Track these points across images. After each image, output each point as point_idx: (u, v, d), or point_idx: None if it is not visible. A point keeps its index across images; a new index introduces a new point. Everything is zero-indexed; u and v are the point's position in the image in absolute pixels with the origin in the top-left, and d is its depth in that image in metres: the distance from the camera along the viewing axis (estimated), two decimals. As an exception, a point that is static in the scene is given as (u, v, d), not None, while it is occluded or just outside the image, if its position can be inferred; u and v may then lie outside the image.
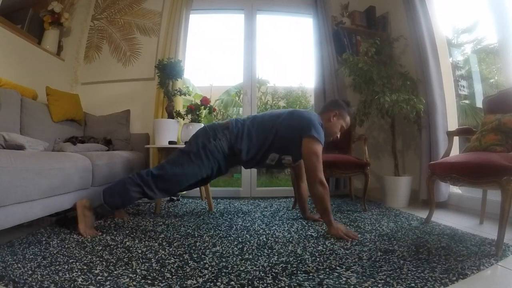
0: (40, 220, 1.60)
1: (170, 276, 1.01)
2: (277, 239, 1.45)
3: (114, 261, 1.14)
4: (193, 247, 1.33)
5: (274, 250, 1.29)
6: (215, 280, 0.98)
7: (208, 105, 2.51)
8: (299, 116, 1.67)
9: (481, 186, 1.52)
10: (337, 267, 1.10)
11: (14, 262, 1.10)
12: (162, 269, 1.07)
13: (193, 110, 2.48)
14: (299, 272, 1.05)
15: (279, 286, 0.94)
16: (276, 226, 1.73)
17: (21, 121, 1.99)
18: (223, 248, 1.32)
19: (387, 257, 1.20)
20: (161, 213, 2.05)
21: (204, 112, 2.61)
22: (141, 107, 2.93)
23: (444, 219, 1.92)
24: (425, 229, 1.65)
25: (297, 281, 0.97)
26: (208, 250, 1.29)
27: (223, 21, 5.17)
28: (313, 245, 1.37)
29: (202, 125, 2.50)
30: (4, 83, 1.96)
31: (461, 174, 1.47)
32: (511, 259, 1.20)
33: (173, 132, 2.45)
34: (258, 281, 0.97)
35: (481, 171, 1.38)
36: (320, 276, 1.01)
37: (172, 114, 2.51)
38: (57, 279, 0.96)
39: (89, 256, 1.18)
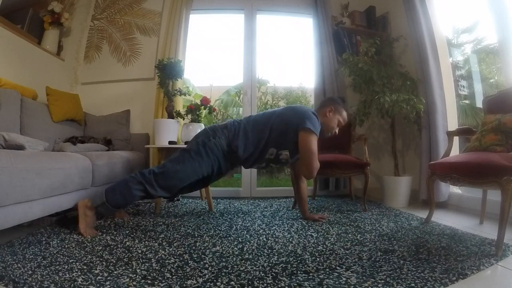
0: (40, 220, 1.61)
1: (170, 276, 1.01)
2: (277, 239, 1.45)
3: (114, 261, 1.14)
4: (193, 247, 1.33)
5: (274, 250, 1.29)
6: (215, 280, 0.98)
7: (208, 105, 2.51)
8: (293, 110, 1.75)
9: (481, 186, 1.52)
10: (337, 267, 1.10)
11: (14, 262, 1.10)
12: (162, 269, 1.07)
13: (193, 110, 2.48)
14: (299, 272, 1.05)
15: (279, 286, 0.94)
16: (276, 226, 1.73)
17: (21, 121, 1.99)
18: (223, 248, 1.32)
19: (387, 257, 1.20)
20: (161, 213, 2.05)
21: (204, 112, 2.61)
22: (141, 107, 2.93)
23: (444, 219, 1.92)
24: (425, 229, 1.65)
25: (297, 281, 0.97)
26: (208, 250, 1.29)
27: (223, 21, 5.18)
28: (313, 245, 1.37)
29: (202, 125, 2.51)
30: (4, 83, 1.96)
31: (461, 174, 1.47)
32: (511, 259, 1.20)
33: (173, 132, 2.46)
34: (258, 281, 0.97)
35: (481, 171, 1.38)
36: (320, 276, 1.01)
37: (172, 114, 2.51)
38: (57, 279, 0.96)
39: (89, 256, 1.18)
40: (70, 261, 1.13)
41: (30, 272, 1.01)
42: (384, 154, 3.03)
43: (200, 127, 2.46)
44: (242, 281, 0.97)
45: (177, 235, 1.52)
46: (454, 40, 4.48)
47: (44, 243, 1.33)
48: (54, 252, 1.22)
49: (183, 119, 2.61)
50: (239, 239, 1.46)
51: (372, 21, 3.14)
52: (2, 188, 1.13)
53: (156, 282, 0.96)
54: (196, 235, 1.52)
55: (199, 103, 2.50)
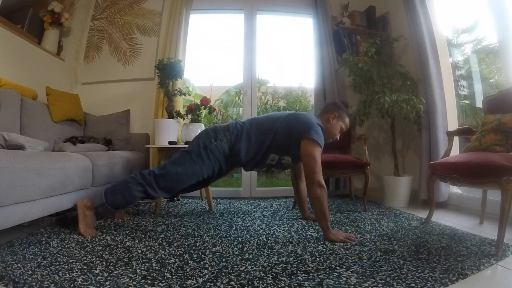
0: (40, 220, 1.60)
1: (170, 276, 1.01)
2: (277, 239, 1.45)
3: (114, 261, 1.14)
4: (193, 247, 1.33)
5: (274, 250, 1.29)
6: (215, 280, 0.98)
7: (208, 105, 2.51)
8: (298, 118, 1.68)
9: (481, 186, 1.52)
10: (337, 267, 1.10)
11: (14, 262, 1.10)
12: (162, 269, 1.07)
13: (193, 110, 2.48)
14: (299, 272, 1.05)
15: (279, 286, 0.94)
16: (276, 226, 1.73)
17: (21, 121, 1.99)
18: (223, 248, 1.32)
19: (387, 257, 1.20)
20: (161, 213, 2.05)
21: (204, 112, 2.61)
22: (141, 107, 2.93)
23: (444, 219, 1.92)
24: (425, 229, 1.65)
25: (297, 281, 0.97)
26: (208, 250, 1.29)
27: (223, 21, 5.17)
28: (313, 245, 1.37)
29: (202, 125, 2.51)
30: (4, 83, 1.96)
31: (461, 174, 1.47)
32: (511, 259, 1.20)
33: (173, 132, 2.46)
34: (258, 281, 0.97)
35: (481, 171, 1.37)
36: (320, 276, 1.01)
37: (172, 114, 2.51)
38: (57, 279, 0.96)
39: (89, 256, 1.18)
40: (70, 261, 1.13)
41: (30, 272, 1.01)
42: (384, 154, 3.03)
43: (200, 127, 2.46)
44: (242, 281, 0.97)
45: (177, 235, 1.52)
46: (454, 40, 4.48)
47: (44, 243, 1.33)
48: (54, 252, 1.22)
49: (183, 119, 2.61)
50: (239, 239, 1.46)
51: (372, 21, 3.14)
52: (2, 188, 1.13)
53: (156, 282, 0.96)
54: (196, 235, 1.52)
55: (199, 103, 2.50)
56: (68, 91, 2.73)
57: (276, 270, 1.07)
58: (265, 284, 0.95)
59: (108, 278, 0.99)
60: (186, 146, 2.19)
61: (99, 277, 0.99)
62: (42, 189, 1.36)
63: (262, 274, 1.03)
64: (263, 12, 3.23)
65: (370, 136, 3.01)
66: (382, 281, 0.97)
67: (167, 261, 1.15)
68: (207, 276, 1.01)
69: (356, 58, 2.56)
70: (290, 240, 1.45)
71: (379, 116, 2.60)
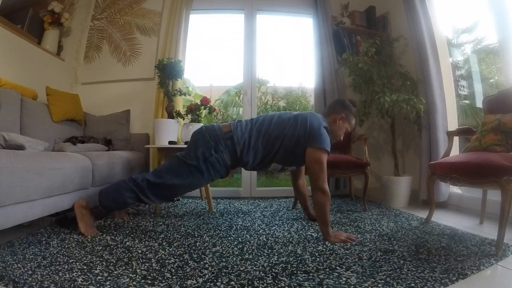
0: (40, 220, 1.60)
1: (170, 276, 1.01)
2: (277, 239, 1.45)
3: (114, 261, 1.14)
4: (193, 247, 1.33)
5: (274, 250, 1.29)
6: (215, 280, 0.98)
7: (208, 105, 2.51)
8: (306, 124, 1.53)
9: (481, 186, 1.52)
10: (337, 267, 1.10)
11: (14, 262, 1.10)
12: (162, 269, 1.07)
13: (193, 110, 2.48)
14: (299, 272, 1.05)
15: (279, 286, 0.94)
16: (276, 226, 1.73)
17: (21, 121, 1.99)
18: (223, 248, 1.32)
19: (387, 257, 1.20)
20: (161, 213, 2.05)
21: (204, 112, 2.61)
22: (141, 107, 2.93)
23: (444, 219, 1.92)
24: (425, 229, 1.65)
25: (297, 281, 0.97)
26: (208, 250, 1.29)
27: (223, 21, 5.17)
28: (313, 245, 1.37)
29: (202, 125, 2.49)
30: (4, 83, 1.96)
31: (461, 174, 1.47)
32: (511, 259, 1.20)
33: (173, 132, 2.46)
34: (258, 281, 0.97)
35: (481, 171, 1.38)
36: (320, 276, 1.01)
37: (172, 114, 2.51)
38: (57, 279, 0.96)
39: (89, 256, 1.18)
40: (70, 261, 1.13)
41: (30, 272, 1.01)
42: (384, 154, 3.03)
43: (199, 129, 2.45)
44: (242, 281, 0.97)
45: (177, 235, 1.52)
46: (454, 40, 4.48)
47: (44, 243, 1.33)
48: (54, 252, 1.22)
49: (183, 119, 2.61)
50: (239, 239, 1.46)
51: (372, 21, 3.14)
52: (2, 188, 1.13)
53: (156, 282, 0.96)
54: (196, 235, 1.52)
55: (199, 103, 2.50)
56: (68, 91, 2.73)
57: (276, 270, 1.07)
58: (265, 284, 0.95)
59: (108, 278, 0.99)
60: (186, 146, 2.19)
61: (99, 277, 0.99)
62: (42, 189, 1.36)
63: (262, 274, 1.03)
64: (263, 12, 3.23)
65: (370, 136, 3.01)
66: (382, 281, 0.97)
67: (167, 261, 1.15)
68: (207, 276, 1.01)
69: (356, 58, 2.56)
70: (290, 240, 1.45)
71: (379, 116, 2.60)
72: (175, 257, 1.20)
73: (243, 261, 1.16)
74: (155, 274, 1.02)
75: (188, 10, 2.96)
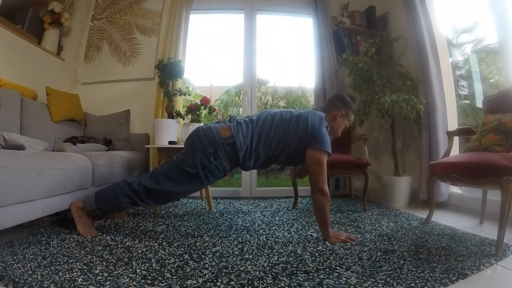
0: (40, 220, 1.61)
1: (170, 276, 1.01)
2: (277, 239, 1.45)
3: (114, 261, 1.14)
4: (193, 247, 1.33)
5: (274, 250, 1.29)
6: (215, 280, 0.98)
7: (208, 105, 2.51)
8: (307, 125, 1.50)
9: (481, 186, 1.52)
10: (337, 267, 1.10)
11: (14, 262, 1.10)
12: (162, 269, 1.07)
13: (193, 110, 2.48)
14: (299, 272, 1.05)
15: (279, 286, 0.94)
16: (276, 226, 1.73)
17: (21, 121, 1.99)
18: (223, 248, 1.32)
19: (387, 257, 1.20)
20: (161, 213, 2.05)
21: (204, 112, 2.61)
22: (141, 107, 2.93)
23: (444, 219, 1.92)
24: (425, 229, 1.65)
25: (297, 281, 0.97)
26: (208, 250, 1.29)
27: (223, 21, 5.17)
28: (313, 245, 1.37)
29: (202, 125, 2.49)
30: (4, 83, 1.96)
31: (461, 174, 1.47)
32: (511, 259, 1.20)
33: (173, 132, 2.46)
34: (258, 281, 0.97)
35: (481, 171, 1.37)
36: (320, 276, 1.01)
37: (172, 114, 2.51)
38: (57, 279, 0.96)
39: (89, 256, 1.18)
40: (70, 261, 1.13)
41: (30, 272, 1.01)
42: (384, 154, 3.03)
43: (196, 132, 2.44)
44: (242, 281, 0.97)
45: (177, 235, 1.52)
46: (454, 40, 4.48)
47: (44, 243, 1.33)
48: (54, 252, 1.22)
49: (183, 119, 2.61)
50: (239, 239, 1.46)
51: (372, 21, 3.14)
52: (2, 188, 1.13)
53: (156, 282, 0.96)
54: (196, 235, 1.52)
55: (199, 103, 2.50)
56: (68, 91, 2.73)
57: (276, 270, 1.07)
58: (265, 284, 0.95)
59: (108, 278, 0.99)
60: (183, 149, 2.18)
61: (99, 277, 0.99)
62: (42, 189, 1.36)
63: (262, 274, 1.03)
64: (263, 12, 3.23)
65: (370, 136, 3.01)
66: (382, 281, 0.97)
67: (167, 261, 1.15)
68: (207, 276, 1.01)
69: (356, 58, 2.56)
70: (290, 240, 1.45)
71: (379, 116, 2.60)
72: (175, 257, 1.20)
73: (243, 261, 1.16)
74: (155, 274, 1.02)
75: (188, 10, 2.96)
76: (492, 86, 4.32)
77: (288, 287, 0.94)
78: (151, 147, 2.67)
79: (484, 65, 4.38)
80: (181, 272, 1.05)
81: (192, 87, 4.73)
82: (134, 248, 1.30)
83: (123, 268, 1.07)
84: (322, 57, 2.96)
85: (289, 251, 1.28)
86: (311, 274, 1.04)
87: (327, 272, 1.05)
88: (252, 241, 1.42)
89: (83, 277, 0.99)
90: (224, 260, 1.17)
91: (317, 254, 1.24)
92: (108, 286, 0.93)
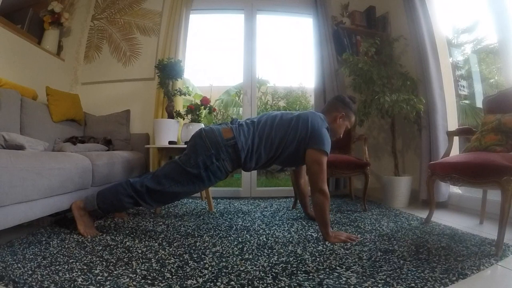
0: (40, 220, 1.61)
1: (170, 276, 1.01)
2: (277, 239, 1.45)
3: (114, 261, 1.14)
4: (193, 247, 1.33)
5: (274, 250, 1.29)
6: (215, 280, 0.98)
7: (208, 105, 2.51)
8: (307, 125, 1.52)
9: (481, 186, 1.52)
10: (337, 267, 1.10)
11: (14, 262, 1.10)
12: (162, 269, 1.07)
13: (193, 110, 2.48)
14: (299, 272, 1.05)
15: (279, 286, 0.94)
16: (276, 226, 1.73)
17: (21, 121, 1.99)
18: (223, 248, 1.32)
19: (387, 257, 1.20)
20: (161, 213, 2.05)
21: (204, 112, 2.61)
22: (141, 107, 2.93)
23: (444, 219, 1.92)
24: (425, 229, 1.65)
25: (297, 281, 0.97)
26: (208, 250, 1.29)
27: (223, 21, 5.17)
28: (313, 245, 1.37)
29: (202, 125, 2.49)
30: (4, 83, 1.96)
31: (462, 174, 1.47)
32: (511, 259, 1.20)
33: (173, 132, 2.46)
34: (258, 281, 0.97)
35: (481, 171, 1.37)
36: (320, 276, 1.01)
37: (172, 114, 2.51)
38: (57, 279, 0.96)
39: (89, 256, 1.18)
40: (70, 261, 1.13)
41: (30, 272, 1.01)
42: (384, 154, 3.03)
43: (199, 127, 2.45)
44: (242, 281, 0.97)
45: (177, 235, 1.52)
46: (454, 40, 4.48)
47: (44, 243, 1.33)
48: (54, 252, 1.22)
49: (183, 119, 2.61)
50: (239, 239, 1.46)
51: (372, 21, 3.14)
52: (2, 188, 1.13)
53: (156, 282, 0.96)
54: (196, 235, 1.52)
55: (199, 103, 2.50)
56: (68, 91, 2.73)
57: (276, 270, 1.07)
58: (265, 284, 0.95)
59: (108, 278, 0.98)
60: (186, 146, 2.18)
61: (99, 277, 0.99)
62: (42, 189, 1.36)
63: (262, 274, 1.03)
64: (263, 12, 3.23)
65: (370, 136, 3.01)
66: (382, 281, 0.97)
67: (167, 261, 1.15)
68: (207, 276, 1.01)
69: (356, 58, 2.56)
70: (290, 240, 1.45)
71: (379, 116, 2.60)
72: (175, 257, 1.20)
73: (243, 261, 1.16)
74: (155, 274, 1.02)
75: (188, 10, 2.96)
76: (492, 86, 4.33)
77: (288, 287, 0.94)
78: (151, 147, 2.67)
79: (484, 65, 4.38)
80: (181, 272, 1.05)
81: (192, 87, 4.74)
82: (134, 248, 1.30)
83: (123, 268, 1.07)
84: (322, 57, 2.96)
85: (289, 251, 1.28)
86: (311, 274, 1.04)
87: (327, 272, 1.05)
88: (252, 241, 1.42)
89: (83, 277, 0.99)
90: (224, 260, 1.17)
91: (317, 254, 1.24)
92: (108, 286, 0.93)
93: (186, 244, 1.38)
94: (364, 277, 1.01)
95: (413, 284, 0.95)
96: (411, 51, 2.64)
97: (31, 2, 2.52)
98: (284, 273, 1.04)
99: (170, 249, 1.29)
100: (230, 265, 1.11)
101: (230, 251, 1.28)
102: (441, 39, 2.52)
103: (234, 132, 1.49)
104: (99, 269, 1.05)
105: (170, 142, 2.34)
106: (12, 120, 1.89)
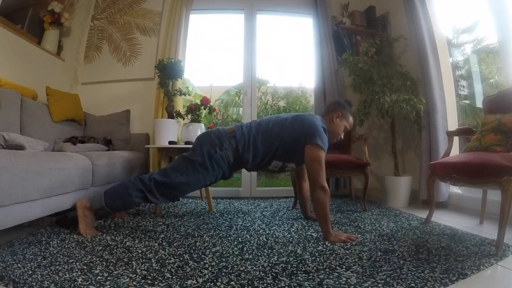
0: (40, 220, 1.61)
1: (170, 276, 1.01)
2: (277, 239, 1.45)
3: (114, 261, 1.14)
4: (193, 247, 1.33)
5: (274, 250, 1.29)
6: (215, 280, 0.98)
7: (208, 105, 2.51)
8: (303, 122, 1.61)
9: (481, 186, 1.52)
10: (337, 267, 1.10)
11: (14, 262, 1.10)
12: (162, 269, 1.07)
13: (193, 110, 2.48)
14: (299, 272, 1.05)
15: (279, 286, 0.94)
16: (276, 226, 1.73)
17: (21, 121, 1.99)
18: (223, 248, 1.32)
19: (387, 257, 1.20)
20: (161, 213, 2.05)
21: (204, 112, 2.61)
22: (141, 107, 2.93)
23: (444, 219, 1.92)
24: (425, 229, 1.65)
25: (297, 281, 0.97)
26: (208, 250, 1.29)
27: (223, 21, 5.17)
28: (313, 245, 1.37)
29: (202, 125, 2.50)
30: (4, 83, 1.96)
31: (462, 174, 1.47)
32: (511, 259, 1.20)
33: (173, 132, 2.45)
34: (258, 281, 0.97)
35: (481, 171, 1.38)
36: (320, 276, 1.01)
37: (172, 114, 2.51)
38: (57, 279, 0.96)
39: (89, 256, 1.18)
40: (70, 261, 1.13)
41: (30, 272, 1.01)
42: (384, 154, 3.03)
43: (200, 127, 2.46)
44: (242, 281, 0.97)
45: (177, 235, 1.52)
46: (454, 40, 4.48)
47: (44, 243, 1.33)
48: (54, 252, 1.22)
49: (183, 119, 2.61)
50: (239, 239, 1.46)
51: (372, 21, 3.14)
52: (2, 188, 1.13)
53: (156, 282, 0.96)
54: (196, 235, 1.52)
55: (199, 103, 2.50)
56: (68, 91, 2.73)
57: (276, 270, 1.07)
58: (265, 284, 0.95)
59: (108, 278, 0.99)
60: (186, 146, 2.19)
61: (99, 277, 0.99)
62: (42, 189, 1.36)
63: (262, 274, 1.03)
64: (263, 12, 3.23)
65: (370, 136, 3.01)
66: (382, 281, 0.97)
67: (167, 261, 1.15)
68: (207, 276, 1.01)
69: (356, 58, 2.56)
70: (290, 240, 1.45)
71: (379, 116, 2.60)
72: (175, 257, 1.20)
73: (243, 261, 1.16)
74: (155, 274, 1.02)
75: (188, 10, 2.96)
76: (492, 86, 4.33)
77: (288, 287, 0.94)
78: (151, 147, 2.67)
79: (484, 65, 4.39)
80: (181, 272, 1.05)
81: (192, 87, 4.73)
82: (134, 248, 1.30)
83: (123, 268, 1.07)
84: (322, 57, 2.96)
85: (289, 251, 1.28)
86: (311, 274, 1.04)
87: (327, 272, 1.05)
88: (252, 241, 1.42)
89: (83, 277, 0.99)
90: (224, 260, 1.17)
91: (317, 254, 1.24)
92: (108, 286, 0.93)
93: (186, 244, 1.38)
94: (364, 277, 1.01)
95: (413, 284, 0.95)
96: (411, 51, 2.64)
97: (31, 2, 2.51)
98: (284, 273, 1.04)
99: (170, 249, 1.29)
100: (230, 265, 1.11)
101: (230, 251, 1.28)
102: (441, 39, 2.52)
103: (235, 128, 1.67)
104: (99, 269, 1.05)
105: (170, 142, 2.34)
106: (12, 120, 1.89)
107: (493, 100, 1.78)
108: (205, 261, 1.15)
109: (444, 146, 2.18)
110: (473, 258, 1.18)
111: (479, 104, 3.69)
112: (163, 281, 0.97)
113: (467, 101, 4.31)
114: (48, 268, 1.05)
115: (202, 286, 0.94)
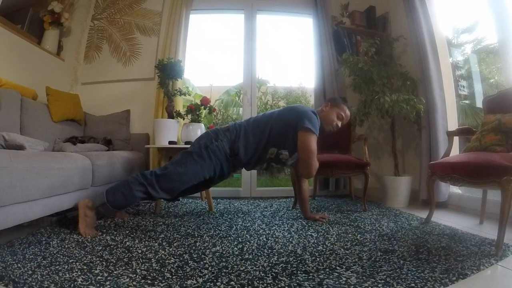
0: (40, 220, 1.60)
1: (170, 276, 1.01)
2: (277, 239, 1.45)
3: (114, 261, 1.14)
4: (193, 247, 1.33)
5: (274, 250, 1.29)
6: (215, 280, 0.98)
7: (208, 105, 2.51)
8: (292, 109, 1.77)
9: (481, 186, 1.52)
10: (337, 267, 1.10)
11: (14, 262, 1.10)
12: (162, 269, 1.07)
13: (193, 110, 2.48)
14: (299, 272, 1.05)
15: (279, 286, 0.94)
16: (276, 226, 1.73)
17: (21, 121, 1.99)
18: (223, 248, 1.32)
19: (387, 257, 1.20)
20: (161, 213, 2.05)
21: (204, 112, 2.61)
22: (141, 107, 2.93)
23: (444, 219, 1.92)
24: (425, 229, 1.65)
25: (297, 281, 0.97)
26: (208, 250, 1.29)
27: (223, 21, 5.18)
28: (313, 245, 1.37)
29: (202, 125, 2.51)
30: (4, 83, 1.96)
31: (462, 174, 1.47)
32: (511, 259, 1.20)
33: (173, 132, 2.45)
34: (258, 281, 0.97)
35: (481, 171, 1.37)
36: (320, 276, 1.01)
37: (172, 114, 2.51)
38: (57, 279, 0.96)
39: (89, 256, 1.18)
40: (70, 261, 1.13)
41: (30, 272, 1.01)
42: (384, 154, 3.03)
43: (200, 127, 2.46)
44: (242, 281, 0.97)
45: (177, 235, 1.52)
46: (454, 40, 4.49)
47: (44, 243, 1.33)
48: (54, 252, 1.22)
49: (183, 119, 2.61)
50: (239, 239, 1.46)
51: (372, 21, 3.14)
52: (2, 188, 1.13)
53: (156, 282, 0.96)
54: (196, 235, 1.52)
55: (199, 103, 2.50)
56: (68, 91, 2.73)
57: (276, 270, 1.07)
58: (265, 284, 0.95)
59: (108, 278, 0.99)
60: (186, 146, 2.19)
61: (99, 277, 0.99)
62: (42, 189, 1.36)
63: (262, 274, 1.03)
64: (263, 12, 3.23)
65: (370, 136, 3.01)
66: (382, 281, 0.97)
67: (167, 261, 1.15)
68: (207, 276, 1.01)
69: (356, 58, 2.56)
70: (290, 240, 1.45)
71: (379, 116, 2.60)
72: (175, 257, 1.20)
73: (243, 261, 1.16)
74: (155, 274, 1.02)
75: (188, 10, 2.96)
76: (492, 86, 4.33)
77: (288, 287, 0.94)
78: (151, 147, 2.67)
79: (484, 65, 4.39)
80: (181, 272, 1.05)
81: (192, 87, 4.74)
82: (134, 248, 1.30)
83: (123, 268, 1.07)
84: (322, 57, 2.96)
85: (289, 251, 1.28)
86: (311, 274, 1.04)
87: (327, 272, 1.05)
88: (252, 241, 1.42)
89: (83, 277, 0.99)
90: (224, 260, 1.17)
91: (317, 254, 1.24)
92: (108, 286, 0.93)
93: (186, 244, 1.38)
94: (364, 277, 1.01)
95: (413, 284, 0.95)
96: (411, 51, 2.63)
97: (31, 2, 2.51)
98: (284, 273, 1.04)
99: (170, 249, 1.30)
100: (230, 265, 1.11)
101: (230, 251, 1.28)
102: (441, 39, 2.52)
103: (230, 124, 1.82)
104: (99, 269, 1.05)
105: (170, 142, 2.34)
106: (12, 120, 1.89)
107: (493, 100, 1.78)
108: (205, 261, 1.15)
109: (444, 146, 2.17)
110: (473, 258, 1.18)
111: (479, 104, 3.69)
112: (163, 281, 0.97)
113: (467, 101, 4.31)
114: (48, 268, 1.05)
115: (202, 286, 0.94)
